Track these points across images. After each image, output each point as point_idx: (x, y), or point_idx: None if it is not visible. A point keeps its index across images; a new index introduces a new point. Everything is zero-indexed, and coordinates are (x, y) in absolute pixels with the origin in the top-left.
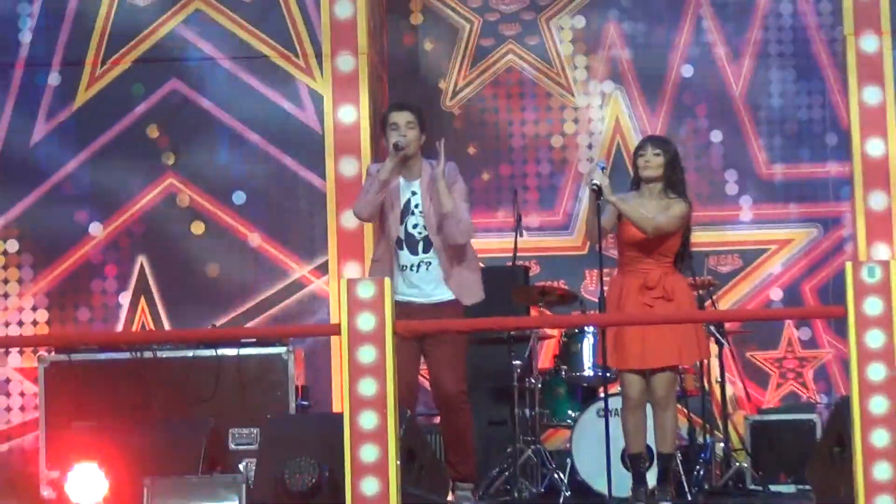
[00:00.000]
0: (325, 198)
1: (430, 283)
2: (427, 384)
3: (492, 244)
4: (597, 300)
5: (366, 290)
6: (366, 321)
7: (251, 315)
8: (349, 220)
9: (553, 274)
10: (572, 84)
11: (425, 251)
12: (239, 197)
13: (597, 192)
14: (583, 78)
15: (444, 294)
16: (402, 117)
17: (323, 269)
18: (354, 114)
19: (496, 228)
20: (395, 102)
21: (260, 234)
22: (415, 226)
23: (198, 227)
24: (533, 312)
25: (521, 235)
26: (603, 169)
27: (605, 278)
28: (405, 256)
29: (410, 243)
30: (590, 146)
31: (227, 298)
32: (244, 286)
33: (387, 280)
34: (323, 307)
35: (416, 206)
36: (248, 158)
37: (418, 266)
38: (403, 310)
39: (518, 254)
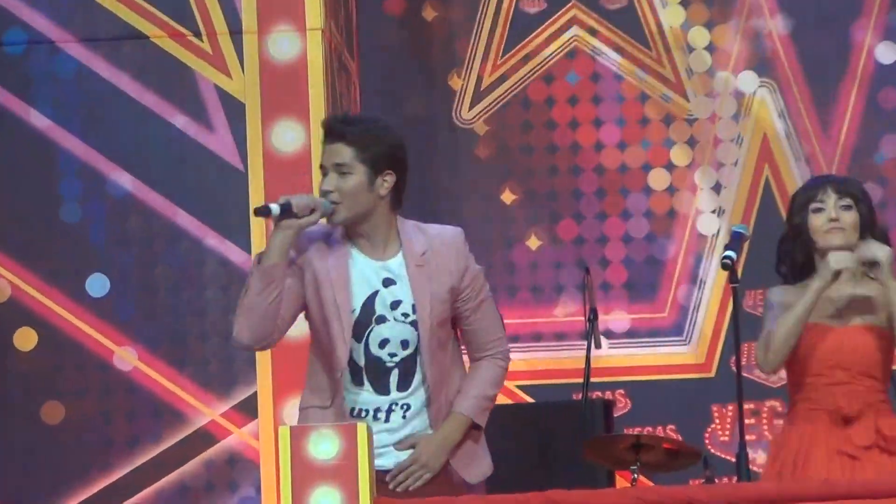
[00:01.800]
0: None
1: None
2: None
3: (546, 363)
4: (733, 460)
5: (326, 447)
6: (327, 502)
7: (122, 492)
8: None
9: (656, 414)
10: (685, 79)
11: (402, 387)
12: (98, 284)
13: (730, 269)
14: (704, 67)
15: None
16: (329, 154)
17: (248, 411)
18: (300, 134)
19: (553, 334)
20: (325, 120)
21: (135, 348)
22: (384, 343)
23: (25, 339)
24: (620, 481)
25: (598, 347)
26: (741, 236)
27: (745, 419)
28: (364, 397)
29: (375, 373)
30: (717, 188)
31: (79, 462)
32: (108, 440)
33: (361, 427)
34: (249, 477)
35: (395, 304)
36: (113, 215)
37: (387, 412)
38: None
39: (593, 379)
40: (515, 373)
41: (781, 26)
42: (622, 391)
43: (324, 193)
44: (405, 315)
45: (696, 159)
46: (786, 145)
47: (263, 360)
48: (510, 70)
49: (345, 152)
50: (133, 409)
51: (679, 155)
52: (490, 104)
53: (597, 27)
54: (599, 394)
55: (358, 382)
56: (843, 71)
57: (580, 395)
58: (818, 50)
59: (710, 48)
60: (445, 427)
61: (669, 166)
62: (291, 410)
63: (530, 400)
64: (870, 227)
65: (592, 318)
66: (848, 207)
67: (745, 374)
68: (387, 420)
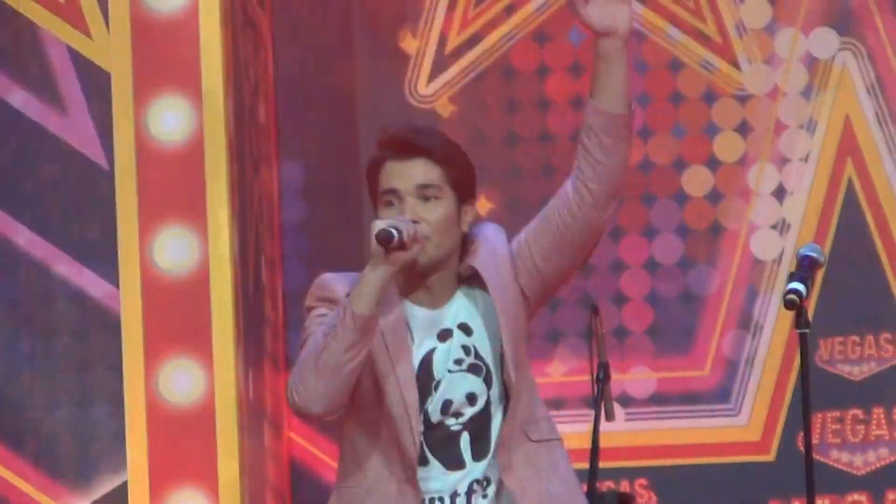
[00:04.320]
0: (117, 324)
1: None
2: None
3: None
4: None
5: None
6: None
7: None
8: (177, 388)
9: None
10: (734, 39)
11: (478, 456)
12: None
13: (797, 308)
14: (762, 23)
15: None
16: (408, 174)
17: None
18: (188, 117)
19: (549, 401)
20: (392, 133)
21: None
22: (446, 405)
23: None
24: None
25: (611, 418)
26: (814, 261)
27: None
28: (432, 478)
29: (441, 444)
30: (779, 192)
31: None
32: None
33: None
34: None
35: (459, 359)
36: None
37: (468, 494)
38: None
39: (603, 464)
40: None
41: None
42: (644, 480)
43: (397, 223)
44: (467, 368)
45: (749, 153)
46: (877, 132)
47: (137, 436)
48: (486, 27)
49: (432, 172)
50: None
51: (726, 147)
52: (458, 75)
53: None
54: (612, 484)
55: (422, 461)
56: None
57: (585, 487)
58: None
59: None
60: None
61: (712, 163)
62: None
63: None
64: None
65: (603, 377)
66: None
67: (817, 457)
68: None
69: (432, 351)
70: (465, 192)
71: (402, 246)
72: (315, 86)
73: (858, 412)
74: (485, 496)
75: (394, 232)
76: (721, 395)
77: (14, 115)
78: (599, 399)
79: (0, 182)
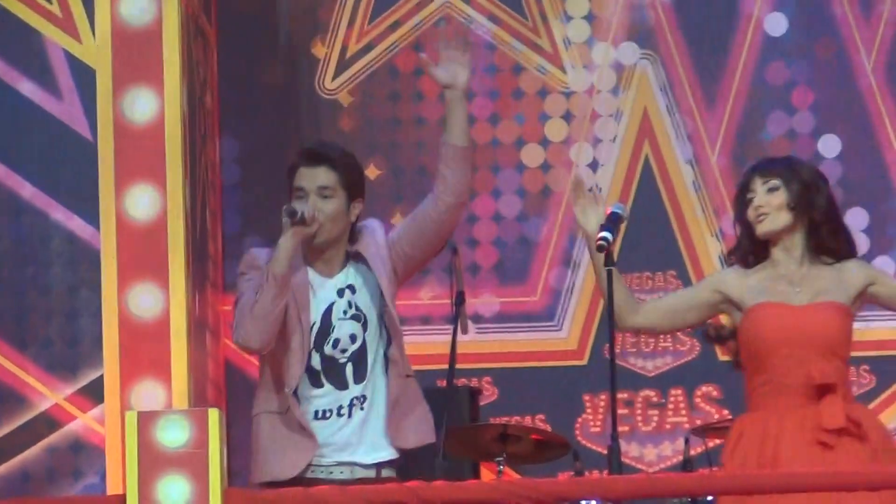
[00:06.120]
0: (97, 259)
1: (370, 434)
2: None
3: (408, 347)
4: (605, 452)
5: (175, 433)
6: (173, 490)
7: None
8: (141, 305)
9: (524, 403)
10: (562, 49)
11: (357, 379)
12: None
13: (605, 252)
14: (582, 38)
15: (386, 452)
16: (312, 177)
17: (93, 394)
18: (153, 103)
19: (417, 318)
20: (306, 147)
21: None
22: (336, 343)
23: None
24: (486, 474)
25: (465, 332)
26: (618, 216)
27: (618, 409)
28: (322, 397)
29: (332, 373)
30: (593, 165)
31: None
32: None
33: (213, 413)
34: (94, 464)
35: (345, 311)
36: None
37: (349, 408)
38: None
39: (459, 366)
40: None
41: None
42: (489, 378)
43: (303, 208)
44: (356, 314)
45: (572, 135)
46: (667, 121)
47: (111, 341)
48: (377, 38)
49: (329, 177)
50: None
51: (554, 130)
52: (355, 74)
53: None
54: (465, 381)
55: (316, 384)
56: (729, 43)
57: (444, 383)
58: (703, 20)
59: (589, 17)
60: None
61: (544, 142)
62: (140, 395)
63: None
64: (809, 202)
65: (459, 301)
66: (773, 189)
67: (619, 362)
68: (349, 415)
69: (331, 304)
70: (354, 193)
71: (303, 222)
72: (249, 80)
73: None
74: (362, 409)
75: (296, 210)
76: (548, 315)
77: (22, 100)
78: (456, 317)
79: (10, 149)
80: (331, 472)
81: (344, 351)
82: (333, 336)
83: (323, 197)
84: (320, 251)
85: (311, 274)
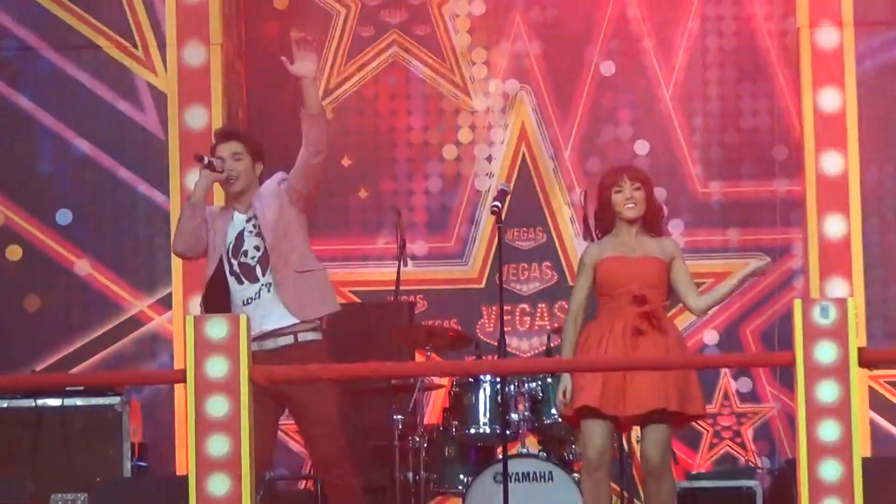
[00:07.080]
0: (168, 218)
1: (276, 308)
2: (288, 442)
3: (369, 275)
4: (496, 343)
5: (217, 330)
6: (216, 367)
7: (78, 358)
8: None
9: (444, 312)
10: (469, 83)
11: (263, 273)
12: (64, 216)
13: (497, 214)
14: (482, 76)
15: (289, 319)
16: (227, 148)
17: (165, 304)
18: (205, 116)
19: (375, 257)
20: (219, 130)
21: (89, 260)
22: (245, 252)
23: (14, 252)
24: (419, 357)
25: (406, 265)
26: (505, 192)
27: (504, 316)
28: (243, 290)
29: (246, 272)
30: (489, 158)
31: (49, 338)
32: (70, 323)
33: (243, 317)
34: (165, 350)
35: (251, 231)
36: (75, 169)
37: (259, 292)
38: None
39: (401, 287)
40: (348, 282)
41: (535, 47)
42: (421, 296)
43: (212, 160)
44: (254, 229)
45: (475, 139)
46: (537, 131)
47: (176, 269)
48: (350, 74)
49: (237, 147)
50: (86, 303)
51: (464, 135)
52: (336, 97)
53: (410, 47)
54: (405, 298)
55: (239, 281)
56: (577, 79)
57: (393, 298)
58: (561, 64)
59: (487, 63)
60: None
61: (457, 143)
62: (195, 304)
63: (359, 301)
64: (650, 196)
65: (402, 245)
66: (638, 188)
67: (504, 287)
68: (259, 296)
69: (243, 229)
70: (256, 157)
71: (210, 167)
72: (267, 101)
73: (524, 265)
74: (269, 292)
75: (203, 156)
76: (459, 255)
77: (119, 113)
78: (400, 256)
79: (111, 145)
80: (261, 345)
81: (253, 257)
82: (243, 248)
83: (236, 160)
84: (239, 196)
85: (235, 213)
